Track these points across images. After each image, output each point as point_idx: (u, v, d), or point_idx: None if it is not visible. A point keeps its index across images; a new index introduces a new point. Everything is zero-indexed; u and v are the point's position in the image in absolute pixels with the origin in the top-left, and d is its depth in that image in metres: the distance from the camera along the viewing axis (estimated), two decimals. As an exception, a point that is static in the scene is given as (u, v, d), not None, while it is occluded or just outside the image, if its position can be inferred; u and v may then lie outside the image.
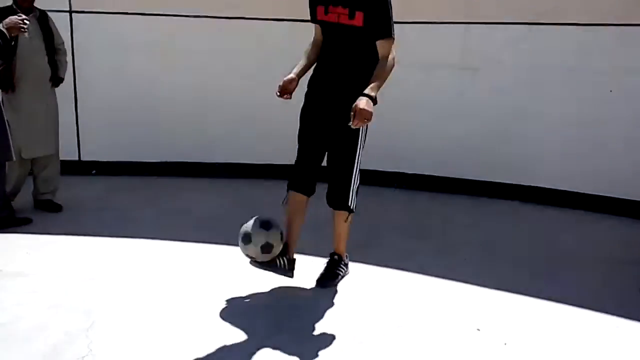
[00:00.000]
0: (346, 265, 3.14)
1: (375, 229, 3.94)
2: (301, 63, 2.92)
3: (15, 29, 3.29)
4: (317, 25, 2.90)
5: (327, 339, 2.52)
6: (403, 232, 3.92)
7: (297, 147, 2.97)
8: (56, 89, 4.13)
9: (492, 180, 4.73)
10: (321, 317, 2.72)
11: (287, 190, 2.96)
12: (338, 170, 2.90)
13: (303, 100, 2.96)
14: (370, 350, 2.45)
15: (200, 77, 4.95)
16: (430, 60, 4.66)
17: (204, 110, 5.03)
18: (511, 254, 3.58)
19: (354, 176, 2.89)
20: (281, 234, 2.79)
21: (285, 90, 2.83)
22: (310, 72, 2.95)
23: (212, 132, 5.04)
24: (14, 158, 3.67)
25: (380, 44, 2.71)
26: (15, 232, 3.69)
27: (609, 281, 3.25)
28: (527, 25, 4.37)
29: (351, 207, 2.94)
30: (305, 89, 2.96)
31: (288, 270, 2.91)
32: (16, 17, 3.27)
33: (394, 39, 2.73)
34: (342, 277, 3.10)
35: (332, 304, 2.85)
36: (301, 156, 2.95)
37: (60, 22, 4.53)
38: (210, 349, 2.40)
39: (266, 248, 2.72)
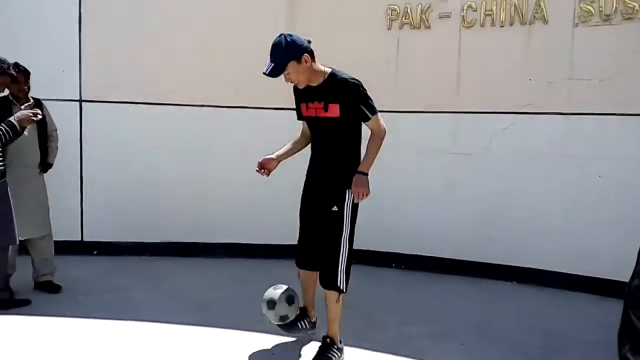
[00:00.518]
0: (340, 350, 3.11)
1: (371, 311, 3.95)
2: (286, 147, 3.25)
3: (26, 121, 3.52)
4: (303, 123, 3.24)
5: None
6: (399, 314, 3.92)
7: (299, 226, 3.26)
8: (62, 171, 4.27)
9: (487, 261, 4.78)
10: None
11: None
12: (326, 251, 3.04)
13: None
14: None
15: (201, 161, 5.14)
16: (423, 146, 4.87)
17: (204, 193, 5.18)
18: (508, 338, 3.56)
19: (341, 257, 3.00)
20: (288, 303, 3.13)
21: (263, 167, 3.14)
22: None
23: (212, 213, 5.16)
24: (17, 242, 3.78)
25: (369, 124, 3.03)
26: (13, 314, 3.72)
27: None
28: (512, 115, 4.59)
29: (340, 287, 3.02)
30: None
31: (310, 328, 3.33)
32: (28, 110, 3.51)
33: (377, 113, 3.02)
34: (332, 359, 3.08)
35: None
36: (301, 236, 3.24)
37: (70, 110, 4.80)
38: None
39: (283, 318, 3.15)
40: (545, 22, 4.45)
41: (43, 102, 4.22)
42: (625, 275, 4.24)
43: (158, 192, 5.17)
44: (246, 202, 5.14)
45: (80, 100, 5.08)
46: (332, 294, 3.04)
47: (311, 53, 2.94)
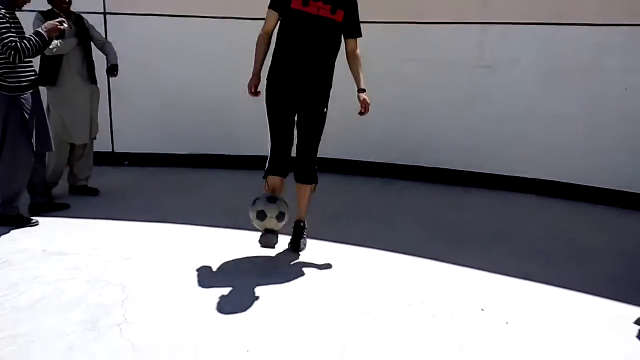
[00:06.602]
0: (306, 227, 3.57)
1: (393, 219, 4.10)
2: (260, 59, 3.25)
3: (54, 30, 3.63)
4: (272, 17, 3.20)
5: (337, 312, 2.72)
6: (419, 223, 4.06)
7: (270, 137, 3.27)
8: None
9: (510, 174, 4.85)
10: (335, 295, 2.92)
11: (265, 177, 3.29)
12: (307, 151, 3.32)
13: (266, 91, 3.27)
14: (381, 322, 2.63)
15: (225, 74, 5.16)
16: (450, 58, 4.81)
17: (230, 106, 5.24)
18: (526, 246, 3.69)
19: (317, 153, 3.37)
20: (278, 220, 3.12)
21: (257, 90, 3.23)
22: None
23: (237, 126, 5.25)
24: (53, 149, 3.97)
25: (353, 42, 3.27)
26: (54, 216, 3.97)
27: (622, 272, 3.35)
28: (542, 26, 4.47)
29: (316, 180, 3.43)
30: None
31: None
32: (54, 21, 3.61)
33: (361, 36, 3.30)
34: (306, 239, 3.53)
35: (348, 286, 3.04)
36: (277, 145, 3.26)
37: (95, 22, 4.80)
38: (223, 306, 2.65)
39: (282, 217, 3.11)
40: None
41: (83, 15, 4.33)
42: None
43: (184, 105, 5.27)
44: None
45: (105, 13, 5.11)
46: (309, 187, 3.42)
47: None
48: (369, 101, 3.22)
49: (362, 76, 3.27)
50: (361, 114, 3.23)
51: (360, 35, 3.29)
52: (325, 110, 3.30)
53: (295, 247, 3.46)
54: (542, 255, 3.54)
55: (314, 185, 3.43)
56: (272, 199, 3.13)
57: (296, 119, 3.30)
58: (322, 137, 3.33)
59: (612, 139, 4.43)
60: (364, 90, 3.25)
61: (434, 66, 4.85)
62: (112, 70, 4.41)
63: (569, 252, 3.59)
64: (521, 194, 4.78)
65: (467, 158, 4.96)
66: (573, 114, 4.54)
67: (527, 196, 4.76)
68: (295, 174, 3.38)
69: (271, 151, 3.28)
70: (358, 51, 3.29)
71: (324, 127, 3.33)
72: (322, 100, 3.28)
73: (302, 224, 3.51)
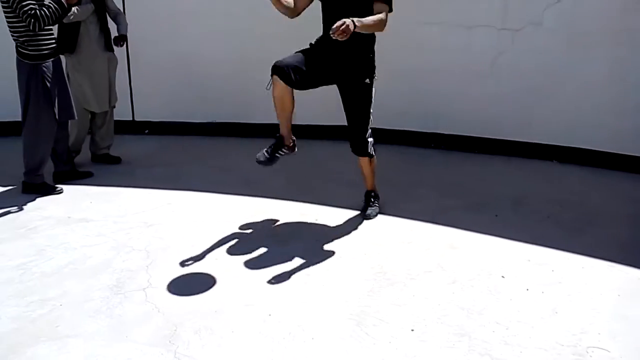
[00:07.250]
0: (378, 197, 3.67)
1: (411, 186, 4.09)
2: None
3: None
4: None
5: (356, 278, 2.75)
6: (437, 189, 4.04)
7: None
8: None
9: (529, 140, 4.77)
10: (355, 261, 2.95)
11: (271, 75, 3.07)
12: (353, 122, 3.37)
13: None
14: (400, 288, 2.66)
15: (243, 40, 5.13)
16: (471, 21, 4.69)
17: (247, 73, 5.20)
18: (544, 212, 3.65)
19: (368, 128, 3.38)
20: None
21: None
22: None
23: (257, 94, 5.20)
24: (76, 117, 4.02)
25: (377, 7, 3.06)
26: (78, 184, 4.06)
27: (637, 236, 3.32)
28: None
29: (370, 153, 3.46)
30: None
31: (292, 150, 3.38)
32: None
33: (391, 10, 3.12)
34: (378, 207, 3.62)
35: (367, 252, 3.06)
36: (298, 61, 3.08)
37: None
38: (245, 276, 2.70)
39: None
40: None
41: None
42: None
43: (203, 73, 5.24)
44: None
45: (123, -21, 5.08)
46: (366, 160, 3.50)
47: None
48: (344, 24, 2.75)
49: (367, 20, 2.91)
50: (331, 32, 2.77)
51: (386, 2, 3.08)
52: (368, 80, 3.26)
53: (363, 213, 3.55)
54: (560, 221, 3.51)
55: (369, 159, 3.48)
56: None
57: (339, 92, 3.36)
58: (371, 109, 3.32)
59: (633, 103, 4.32)
60: (352, 21, 2.80)
61: (454, 29, 4.74)
62: (120, 40, 4.43)
63: (588, 218, 3.55)
64: (542, 160, 4.71)
65: (486, 124, 4.87)
66: (597, 79, 4.42)
67: (547, 162, 4.69)
68: (350, 146, 3.45)
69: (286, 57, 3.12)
70: (383, 16, 3.04)
71: (370, 98, 3.30)
72: (361, 71, 3.25)
73: (372, 194, 3.63)
